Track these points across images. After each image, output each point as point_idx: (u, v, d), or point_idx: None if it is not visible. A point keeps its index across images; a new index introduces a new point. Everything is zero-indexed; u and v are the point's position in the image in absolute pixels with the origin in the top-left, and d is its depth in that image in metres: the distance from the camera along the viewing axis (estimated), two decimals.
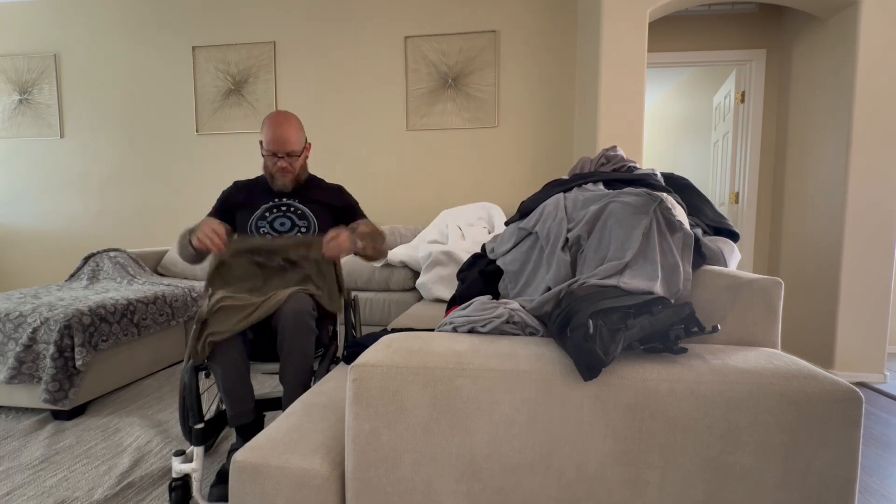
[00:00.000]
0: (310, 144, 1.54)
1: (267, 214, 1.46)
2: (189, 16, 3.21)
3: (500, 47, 2.97)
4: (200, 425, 1.15)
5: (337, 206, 1.56)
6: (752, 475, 0.61)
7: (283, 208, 1.47)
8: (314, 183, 1.58)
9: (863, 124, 2.16)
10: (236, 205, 1.52)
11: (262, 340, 1.30)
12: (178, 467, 1.12)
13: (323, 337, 1.42)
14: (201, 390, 1.28)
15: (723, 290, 0.81)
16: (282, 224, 1.46)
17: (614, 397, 0.62)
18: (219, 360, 1.19)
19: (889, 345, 2.72)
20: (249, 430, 1.26)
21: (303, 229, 1.47)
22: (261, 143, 1.46)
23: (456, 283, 1.78)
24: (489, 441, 0.64)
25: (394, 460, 0.65)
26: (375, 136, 3.14)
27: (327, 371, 1.32)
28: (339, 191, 1.60)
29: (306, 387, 1.22)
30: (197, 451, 1.13)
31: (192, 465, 1.12)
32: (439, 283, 2.20)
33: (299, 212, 1.48)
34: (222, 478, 1.21)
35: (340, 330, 1.58)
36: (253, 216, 1.46)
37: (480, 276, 1.18)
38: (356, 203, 1.63)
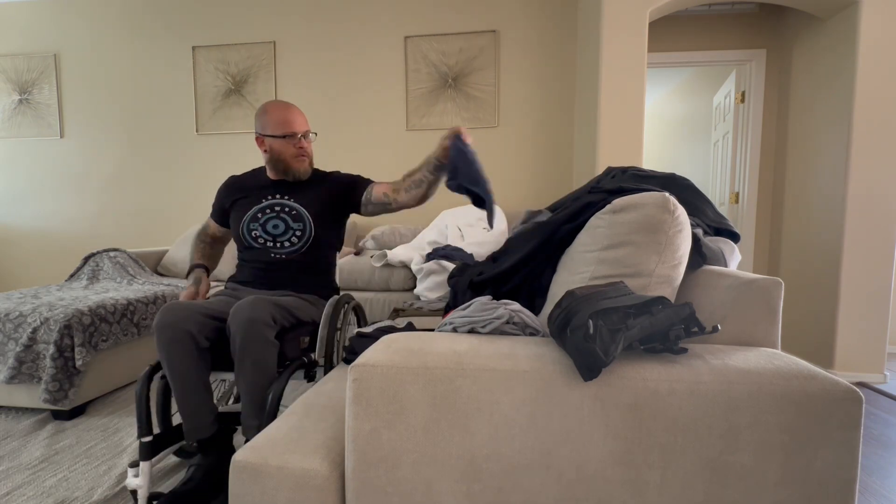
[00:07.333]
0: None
1: (259, 216, 1.37)
2: (189, 16, 3.21)
3: (500, 47, 2.97)
4: (148, 438, 1.05)
5: (335, 192, 1.43)
6: (752, 475, 0.61)
7: (277, 208, 1.37)
8: (314, 174, 1.46)
9: (863, 124, 2.16)
10: (232, 204, 1.43)
11: (220, 348, 1.18)
12: (130, 481, 1.01)
13: (290, 350, 1.23)
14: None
15: (723, 290, 0.81)
16: (275, 227, 1.37)
17: (614, 397, 0.62)
18: (170, 369, 1.09)
19: (889, 345, 2.72)
20: (212, 445, 1.13)
21: (297, 233, 1.37)
22: (260, 135, 1.35)
23: None
24: (489, 441, 0.64)
25: (394, 460, 0.65)
26: (376, 136, 3.13)
27: (284, 387, 1.12)
28: (334, 175, 1.48)
29: (263, 400, 1.08)
30: (143, 467, 1.02)
31: (137, 481, 1.00)
32: (437, 290, 2.20)
33: (294, 212, 1.37)
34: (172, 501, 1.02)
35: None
36: (244, 217, 1.38)
37: (470, 287, 1.16)
38: (357, 177, 1.47)
